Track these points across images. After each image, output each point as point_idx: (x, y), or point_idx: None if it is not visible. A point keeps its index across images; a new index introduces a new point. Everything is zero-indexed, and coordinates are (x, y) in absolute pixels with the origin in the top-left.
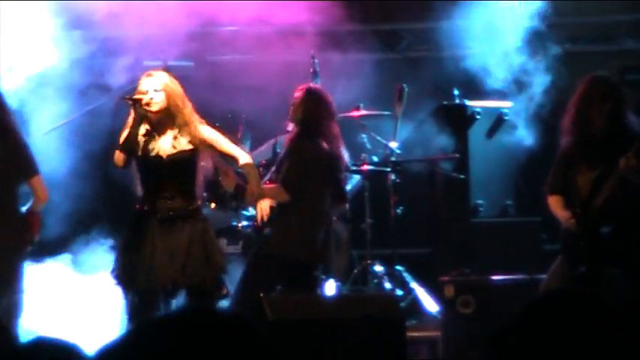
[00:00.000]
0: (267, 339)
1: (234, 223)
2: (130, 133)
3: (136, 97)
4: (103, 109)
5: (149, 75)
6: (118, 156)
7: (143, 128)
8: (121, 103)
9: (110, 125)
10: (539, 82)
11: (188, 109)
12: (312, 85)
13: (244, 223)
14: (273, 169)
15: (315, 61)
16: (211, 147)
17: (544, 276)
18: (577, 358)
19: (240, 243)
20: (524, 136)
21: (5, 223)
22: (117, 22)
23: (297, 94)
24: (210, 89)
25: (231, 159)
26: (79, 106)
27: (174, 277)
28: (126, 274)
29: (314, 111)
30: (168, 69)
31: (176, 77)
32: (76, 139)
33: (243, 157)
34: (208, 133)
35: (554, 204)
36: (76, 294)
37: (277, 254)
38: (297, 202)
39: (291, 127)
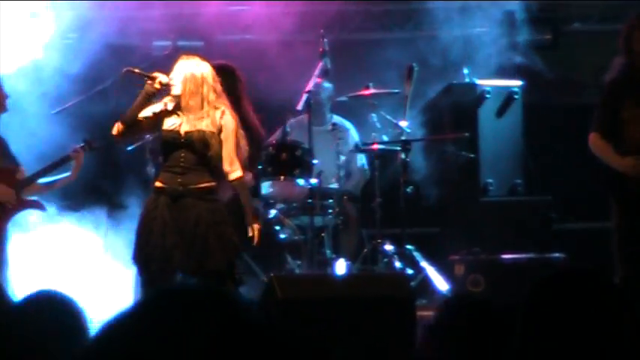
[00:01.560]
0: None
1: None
2: (133, 106)
3: (151, 74)
4: (107, 91)
5: (182, 58)
6: (118, 126)
7: (170, 105)
8: (126, 76)
9: (112, 95)
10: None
11: (212, 97)
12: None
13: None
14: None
15: (325, 40)
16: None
17: (554, 255)
18: (583, 337)
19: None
20: (534, 115)
21: None
22: (126, 2)
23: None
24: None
25: (221, 168)
26: (89, 87)
27: (184, 258)
28: (141, 252)
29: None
30: (177, 49)
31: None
32: (83, 121)
33: (234, 173)
34: (228, 125)
35: (603, 147)
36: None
37: None
38: None
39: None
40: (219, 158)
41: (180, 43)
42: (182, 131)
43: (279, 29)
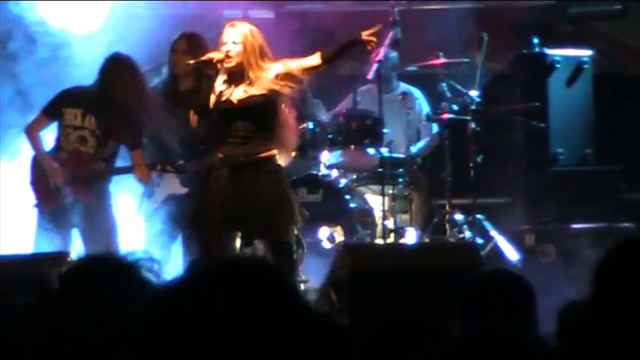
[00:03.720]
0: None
1: (314, 172)
2: (202, 94)
3: (204, 58)
4: None
5: (232, 25)
6: (192, 116)
7: (220, 78)
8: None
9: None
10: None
11: (265, 63)
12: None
13: (324, 171)
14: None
15: (395, 10)
16: (288, 77)
17: (624, 224)
18: None
19: (321, 192)
20: (604, 84)
21: None
22: None
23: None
24: (290, 40)
25: (313, 69)
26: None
27: (247, 227)
28: (198, 221)
29: None
30: (248, 19)
31: (257, 26)
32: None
33: (316, 56)
34: (276, 69)
35: None
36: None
37: None
38: None
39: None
40: (276, 121)
41: (251, 12)
42: (235, 100)
43: None
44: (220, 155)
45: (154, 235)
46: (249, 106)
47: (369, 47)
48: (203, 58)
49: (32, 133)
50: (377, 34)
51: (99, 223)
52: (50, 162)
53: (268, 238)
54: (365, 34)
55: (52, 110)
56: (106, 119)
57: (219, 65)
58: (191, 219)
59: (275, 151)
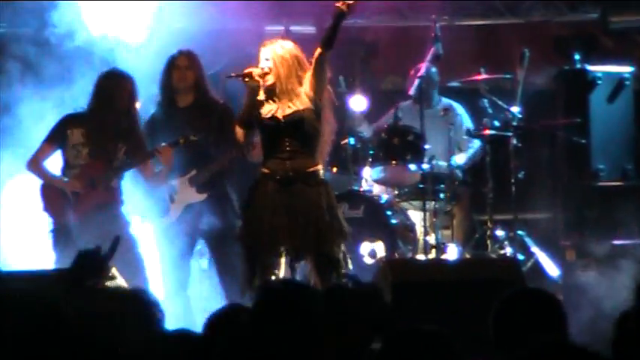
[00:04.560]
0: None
1: (356, 188)
2: (245, 107)
3: (245, 72)
4: (219, 76)
5: (264, 45)
6: (238, 130)
7: (262, 94)
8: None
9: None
10: None
11: (299, 77)
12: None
13: (366, 187)
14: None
15: (437, 25)
16: (314, 79)
17: None
18: None
19: (362, 207)
20: None
21: None
22: None
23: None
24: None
25: (320, 59)
26: None
27: (295, 241)
28: (248, 237)
29: None
30: (288, 34)
31: (297, 42)
32: None
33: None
34: (307, 78)
35: None
36: None
37: None
38: None
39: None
40: (320, 135)
41: (293, 28)
42: (280, 116)
43: (391, 14)
44: (266, 170)
45: (171, 249)
46: (294, 121)
47: (344, 7)
48: (244, 71)
49: (36, 164)
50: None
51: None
52: (62, 179)
53: (317, 254)
54: (338, 4)
55: (56, 135)
56: (109, 133)
57: (259, 81)
58: (240, 235)
59: (320, 166)
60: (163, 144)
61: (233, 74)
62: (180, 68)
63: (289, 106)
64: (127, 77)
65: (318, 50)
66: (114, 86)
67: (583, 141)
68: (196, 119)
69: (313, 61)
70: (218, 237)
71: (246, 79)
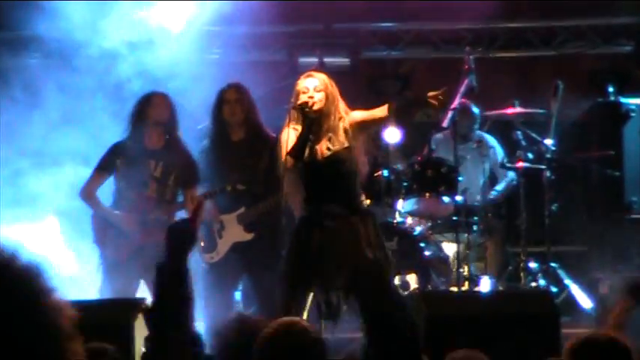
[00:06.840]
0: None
1: (390, 219)
2: (300, 138)
3: (302, 101)
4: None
5: (309, 75)
6: (287, 160)
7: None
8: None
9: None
10: None
11: (341, 111)
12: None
13: (399, 219)
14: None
15: (471, 57)
16: (361, 126)
17: None
18: None
19: (396, 239)
20: None
21: None
22: (271, 17)
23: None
24: (364, 86)
25: (381, 120)
26: None
27: (340, 278)
28: (295, 280)
29: None
30: (322, 65)
31: (331, 75)
32: None
33: (384, 108)
34: (350, 118)
35: None
36: None
37: None
38: None
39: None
40: (358, 173)
41: (327, 59)
42: (319, 155)
43: (424, 46)
44: (309, 213)
45: (215, 287)
46: (334, 161)
47: (433, 107)
48: (300, 102)
49: (89, 194)
50: (443, 95)
51: None
52: (115, 214)
53: (362, 286)
54: (431, 95)
55: (106, 165)
56: (159, 161)
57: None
58: (288, 278)
59: (361, 198)
60: (206, 191)
61: (296, 105)
62: (230, 102)
63: (329, 148)
64: (163, 94)
65: (385, 112)
66: (150, 104)
67: (617, 173)
68: (247, 156)
69: (375, 116)
70: (262, 272)
71: (306, 110)
